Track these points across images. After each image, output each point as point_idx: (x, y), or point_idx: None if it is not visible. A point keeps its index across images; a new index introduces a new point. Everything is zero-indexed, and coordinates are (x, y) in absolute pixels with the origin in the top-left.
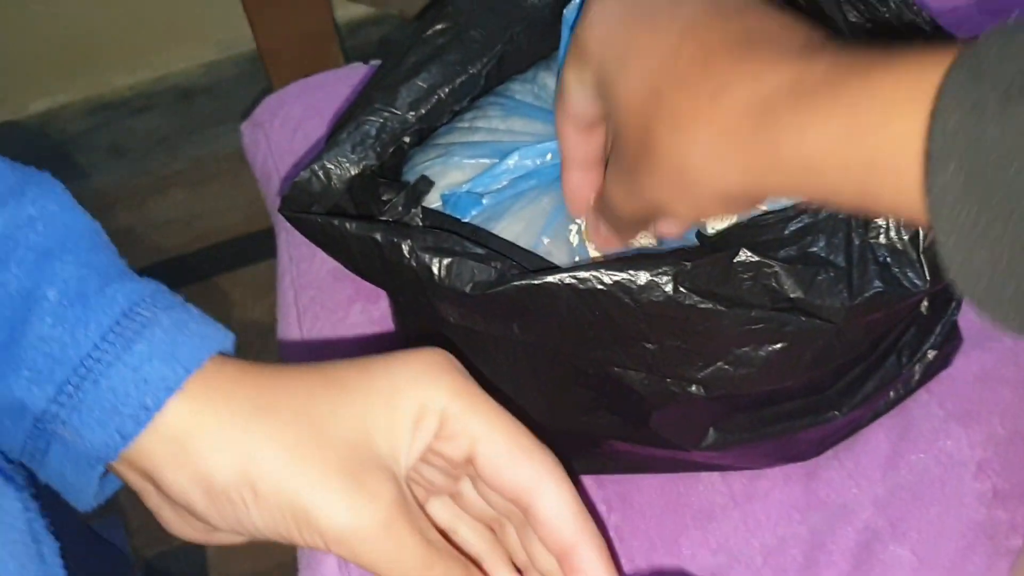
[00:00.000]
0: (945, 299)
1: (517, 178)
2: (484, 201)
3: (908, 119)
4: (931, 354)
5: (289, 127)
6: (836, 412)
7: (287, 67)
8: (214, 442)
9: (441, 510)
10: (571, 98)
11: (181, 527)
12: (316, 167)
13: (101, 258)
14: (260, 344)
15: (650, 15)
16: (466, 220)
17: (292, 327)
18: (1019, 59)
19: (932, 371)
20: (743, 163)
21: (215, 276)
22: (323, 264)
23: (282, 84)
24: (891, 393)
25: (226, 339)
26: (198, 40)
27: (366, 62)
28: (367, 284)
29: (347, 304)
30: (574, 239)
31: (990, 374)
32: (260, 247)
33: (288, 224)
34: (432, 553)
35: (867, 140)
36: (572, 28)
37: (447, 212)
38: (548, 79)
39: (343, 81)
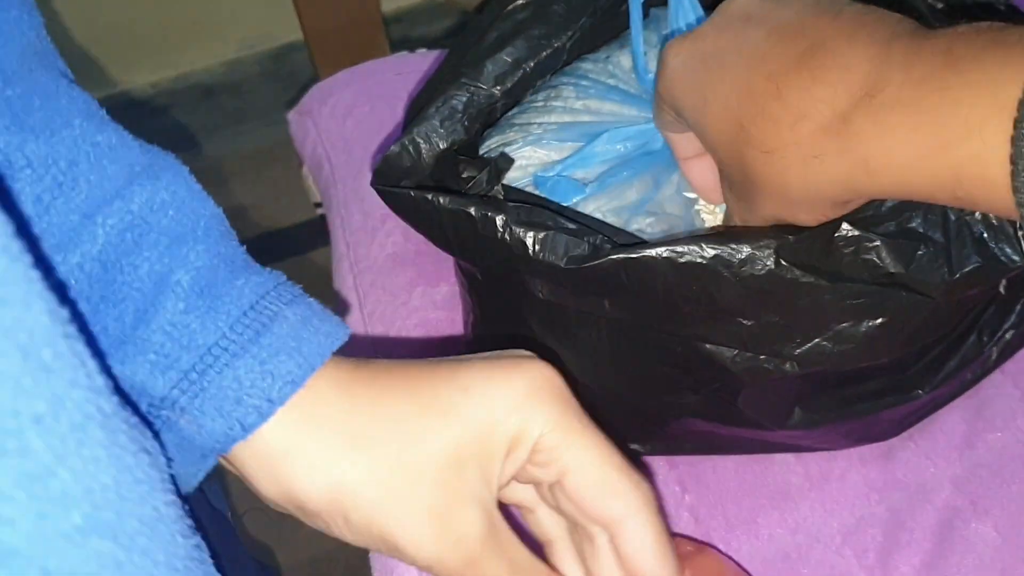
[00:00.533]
0: (1023, 280)
1: (605, 167)
2: (587, 190)
3: (991, 131)
4: (1009, 334)
5: (339, 114)
6: (919, 391)
7: (333, 55)
8: (308, 467)
9: (525, 491)
10: (672, 141)
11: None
12: (407, 141)
13: (229, 247)
14: None
15: (718, 56)
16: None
17: (354, 313)
18: None
19: (1009, 351)
20: (837, 178)
21: None
22: (381, 249)
23: (328, 72)
24: (969, 373)
25: (344, 334)
26: (220, 38)
27: (412, 51)
28: (428, 267)
29: (408, 288)
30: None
31: None
32: (283, 246)
33: (342, 212)
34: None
35: (952, 153)
36: (646, 11)
37: (542, 195)
38: (622, 58)
39: (392, 69)
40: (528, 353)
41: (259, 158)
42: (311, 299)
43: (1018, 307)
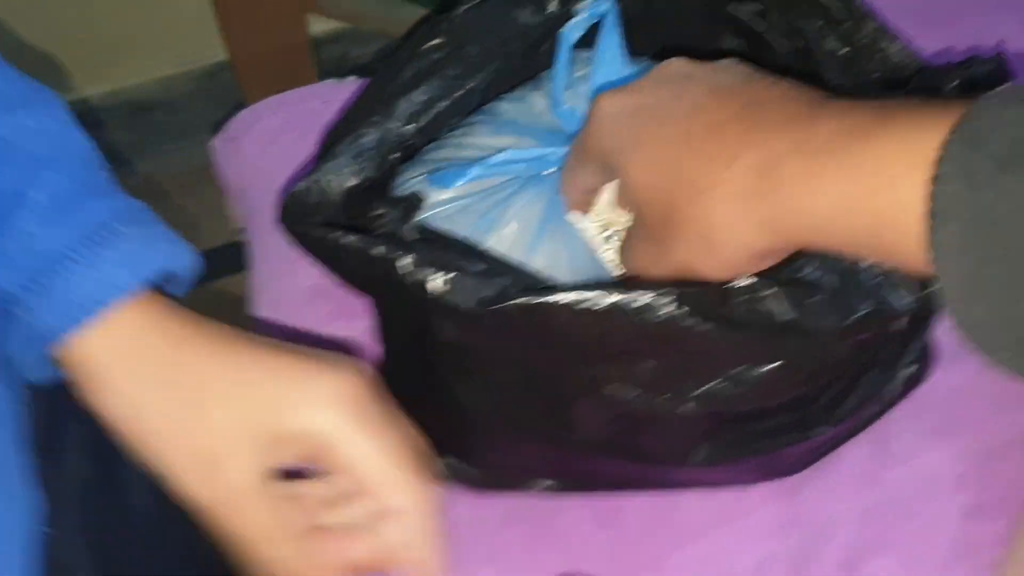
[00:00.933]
0: (922, 316)
1: (507, 182)
2: (472, 172)
3: (910, 184)
4: (908, 371)
5: (264, 142)
6: (821, 427)
7: (260, 81)
8: (113, 390)
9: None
10: (577, 180)
11: None
12: (315, 178)
13: (92, 175)
14: None
15: (656, 107)
16: (451, 191)
17: None
18: (1010, 129)
19: (910, 386)
20: (762, 222)
21: None
22: (302, 281)
23: (255, 98)
24: (869, 410)
25: (185, 260)
26: (154, 54)
27: (340, 78)
28: (348, 301)
29: (327, 321)
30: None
31: (964, 388)
32: (216, 265)
33: (263, 240)
34: (279, 528)
35: (873, 202)
36: (571, 47)
37: (433, 188)
38: (537, 99)
39: (318, 97)
40: (349, 360)
41: (192, 177)
42: (163, 226)
43: (915, 345)
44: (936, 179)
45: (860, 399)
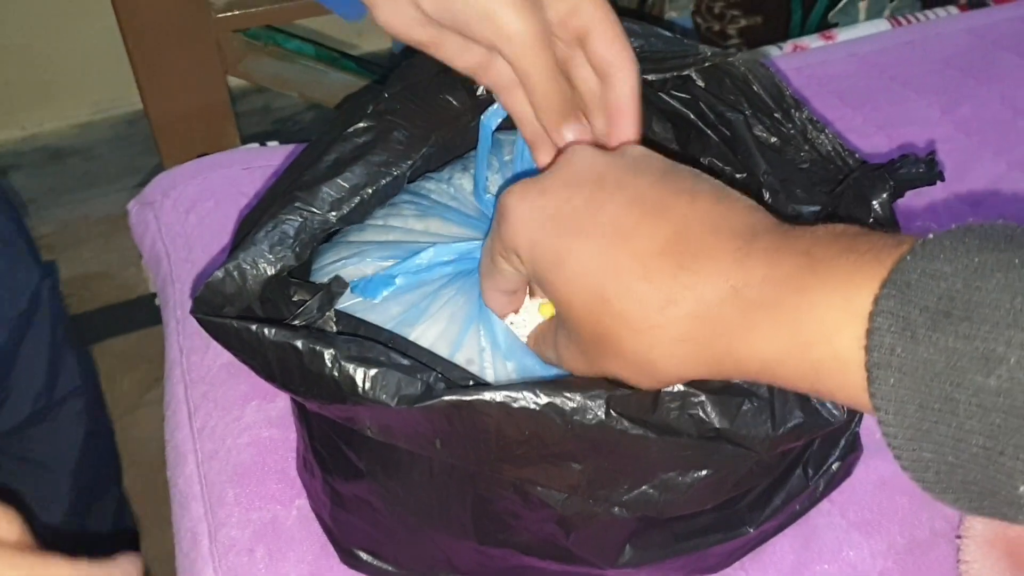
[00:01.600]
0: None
1: (433, 277)
2: (397, 281)
3: (847, 337)
4: (835, 465)
5: (182, 208)
6: (748, 527)
7: (178, 137)
8: None
9: None
10: (498, 284)
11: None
12: (231, 267)
13: None
14: (129, 419)
15: (573, 218)
16: (378, 301)
17: (183, 425)
18: (940, 283)
19: (835, 482)
20: (705, 362)
21: (82, 346)
22: (216, 358)
23: (172, 153)
24: (797, 505)
25: None
26: (72, 100)
27: (262, 143)
28: (264, 381)
29: (242, 402)
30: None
31: (888, 482)
32: (131, 317)
33: (177, 312)
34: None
35: (811, 352)
36: (492, 133)
37: (357, 295)
38: (463, 180)
39: (240, 162)
40: None
41: (108, 224)
42: None
43: (843, 440)
44: (871, 332)
45: (787, 497)
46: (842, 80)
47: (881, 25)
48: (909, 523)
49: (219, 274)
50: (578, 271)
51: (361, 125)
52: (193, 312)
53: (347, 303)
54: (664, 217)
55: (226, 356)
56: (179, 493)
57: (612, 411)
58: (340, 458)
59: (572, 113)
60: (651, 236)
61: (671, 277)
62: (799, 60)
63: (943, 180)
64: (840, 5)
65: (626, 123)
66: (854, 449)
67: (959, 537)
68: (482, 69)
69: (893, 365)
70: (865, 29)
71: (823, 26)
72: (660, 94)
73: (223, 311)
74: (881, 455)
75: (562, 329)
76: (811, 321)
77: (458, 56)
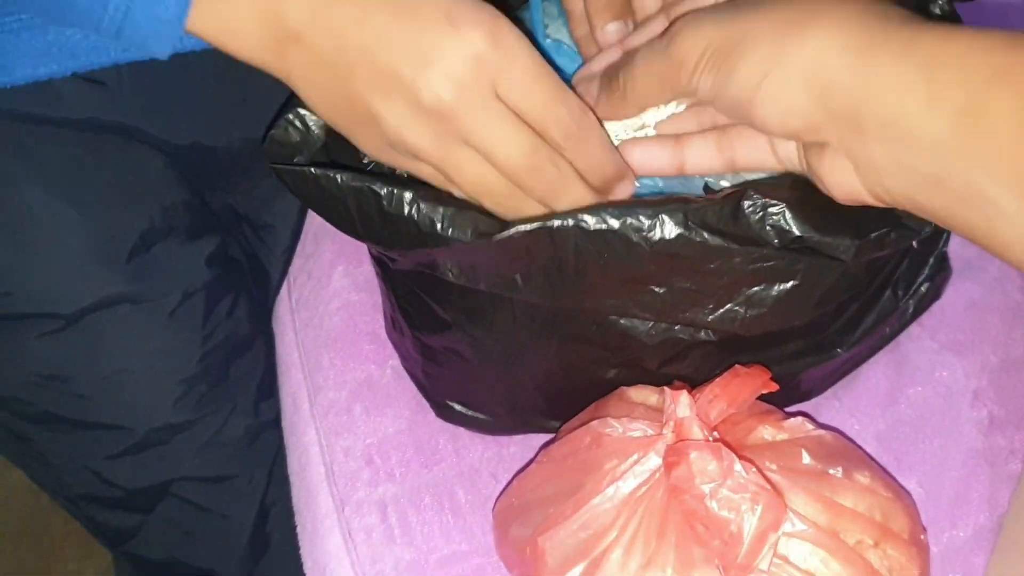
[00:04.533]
0: (935, 232)
1: None
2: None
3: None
4: (924, 287)
5: None
6: (838, 350)
7: None
8: None
9: None
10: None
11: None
12: (291, 116)
13: None
14: None
15: None
16: None
17: (283, 298)
18: None
19: (925, 304)
20: (862, 46)
21: None
22: (308, 227)
23: None
24: (887, 328)
25: None
26: None
27: None
28: (349, 244)
29: (329, 268)
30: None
31: (978, 304)
32: None
33: None
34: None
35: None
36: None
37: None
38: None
39: None
40: None
41: None
42: None
43: (931, 260)
44: None
45: (877, 319)
46: None
47: None
48: (1002, 342)
49: (281, 124)
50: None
51: None
52: (268, 163)
53: None
54: None
55: (315, 221)
56: (281, 362)
57: (691, 223)
58: (426, 312)
59: (618, 14)
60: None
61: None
62: None
63: None
64: None
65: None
66: (943, 270)
67: None
68: None
69: None
70: None
71: None
72: None
73: (295, 160)
74: (971, 276)
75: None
76: (949, 69)
77: None
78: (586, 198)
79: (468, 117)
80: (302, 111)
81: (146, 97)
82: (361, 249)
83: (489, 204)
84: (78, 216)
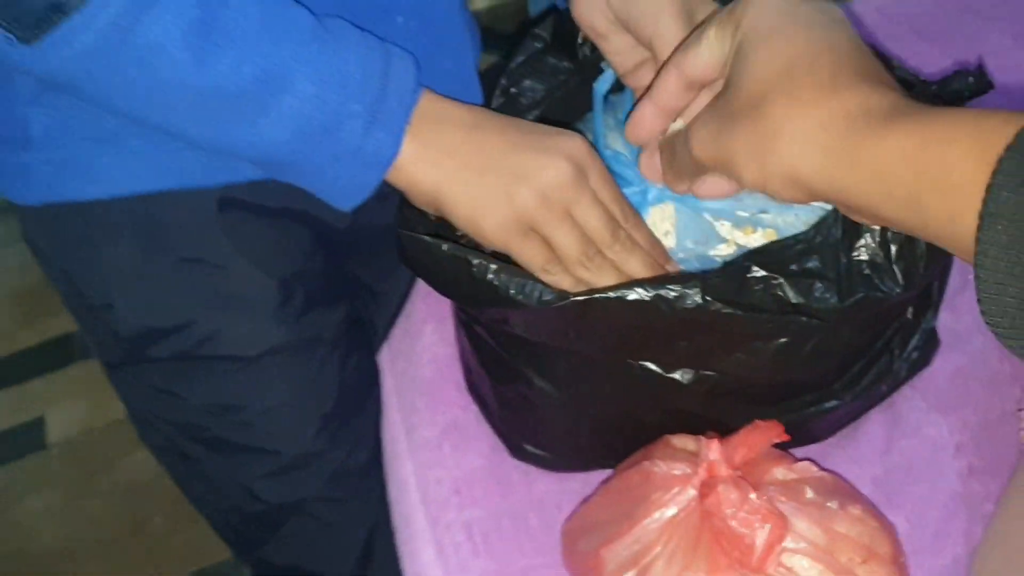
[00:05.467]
0: (925, 306)
1: None
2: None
3: (970, 182)
4: (915, 354)
5: None
6: (839, 401)
7: None
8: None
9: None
10: (700, 51)
11: None
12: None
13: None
14: None
15: (807, 23)
16: None
17: (384, 351)
18: None
19: (916, 368)
20: (826, 153)
21: None
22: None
23: None
24: (883, 387)
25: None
26: None
27: None
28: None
29: (420, 325)
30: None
31: (963, 371)
32: None
33: None
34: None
35: (932, 176)
36: (605, 98)
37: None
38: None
39: None
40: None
41: None
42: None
43: (920, 329)
44: (991, 186)
45: (874, 378)
46: (918, 17)
47: None
48: (982, 406)
49: (411, 208)
50: (785, 47)
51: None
52: (398, 229)
53: None
54: (862, 54)
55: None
56: (384, 404)
57: (706, 296)
58: (499, 363)
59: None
60: (853, 58)
61: (852, 83)
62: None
63: (993, 88)
64: None
65: None
66: (932, 340)
67: (1020, 410)
68: (634, 69)
69: (1004, 215)
70: None
71: None
72: None
73: (419, 230)
74: (957, 347)
75: (717, 102)
76: (942, 153)
77: (620, 52)
78: (644, 259)
79: (574, 197)
80: None
81: None
82: (447, 312)
83: (577, 269)
84: (268, 281)
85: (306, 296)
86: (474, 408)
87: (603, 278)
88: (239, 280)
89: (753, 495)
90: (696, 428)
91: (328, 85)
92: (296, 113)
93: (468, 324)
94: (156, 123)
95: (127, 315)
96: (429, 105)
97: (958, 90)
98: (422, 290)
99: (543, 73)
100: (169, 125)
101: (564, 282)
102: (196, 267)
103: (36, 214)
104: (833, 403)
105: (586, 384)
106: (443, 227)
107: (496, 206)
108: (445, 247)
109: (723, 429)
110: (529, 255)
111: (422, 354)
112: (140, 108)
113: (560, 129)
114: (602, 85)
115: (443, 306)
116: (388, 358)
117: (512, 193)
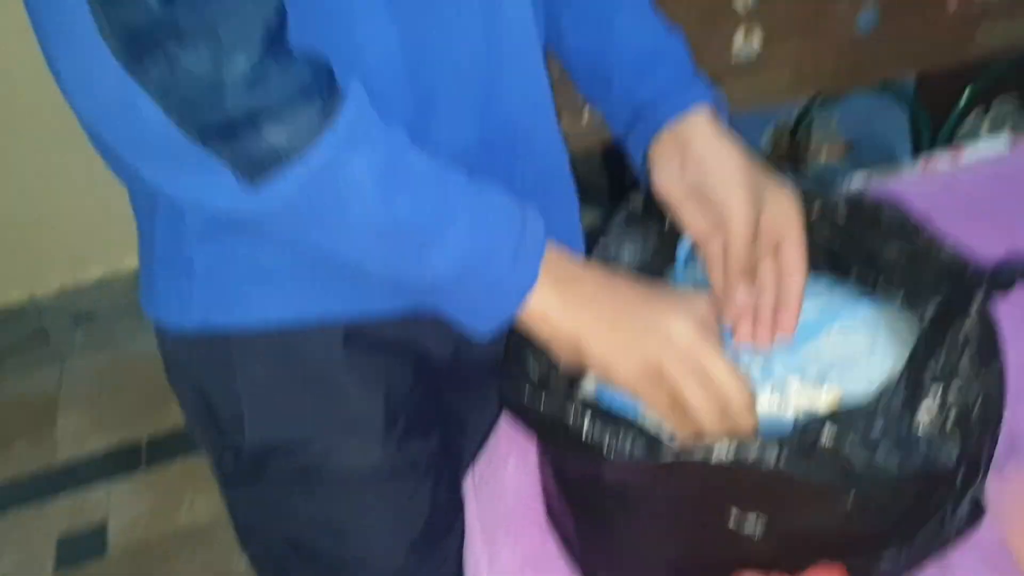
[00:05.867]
0: (970, 475)
1: None
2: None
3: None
4: (964, 519)
5: None
6: (897, 555)
7: None
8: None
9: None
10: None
11: None
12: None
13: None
14: None
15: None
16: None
17: (467, 477)
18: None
19: (963, 531)
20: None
21: None
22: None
23: None
24: (934, 547)
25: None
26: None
27: None
28: (519, 441)
29: (503, 460)
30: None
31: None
32: None
33: None
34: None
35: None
36: (685, 263)
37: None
38: None
39: None
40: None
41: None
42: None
43: (968, 496)
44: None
45: (927, 539)
46: (969, 196)
47: (1001, 143)
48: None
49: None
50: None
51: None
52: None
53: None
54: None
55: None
56: (468, 531)
57: (780, 461)
58: (584, 504)
59: (748, 282)
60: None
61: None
62: (928, 181)
63: None
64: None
65: (788, 315)
66: (979, 507)
67: None
68: (705, 236)
69: None
70: (988, 147)
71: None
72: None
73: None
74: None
75: None
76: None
77: (693, 218)
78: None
79: (700, 352)
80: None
81: (434, 326)
82: (528, 445)
83: (702, 417)
84: (378, 406)
85: (407, 423)
86: (552, 539)
87: (714, 428)
88: (354, 403)
89: None
90: (765, 567)
91: (483, 223)
92: (459, 245)
93: (556, 464)
94: (334, 255)
95: (255, 427)
96: (558, 255)
97: (1005, 277)
98: (507, 420)
99: (634, 238)
100: (345, 256)
101: (685, 427)
102: (319, 388)
103: (184, 335)
104: (890, 557)
105: (666, 526)
106: (544, 376)
107: (627, 356)
108: (543, 405)
109: (790, 568)
110: (654, 401)
111: (505, 484)
112: (325, 243)
113: (684, 289)
114: (682, 251)
115: (526, 437)
116: (472, 485)
117: (643, 344)
